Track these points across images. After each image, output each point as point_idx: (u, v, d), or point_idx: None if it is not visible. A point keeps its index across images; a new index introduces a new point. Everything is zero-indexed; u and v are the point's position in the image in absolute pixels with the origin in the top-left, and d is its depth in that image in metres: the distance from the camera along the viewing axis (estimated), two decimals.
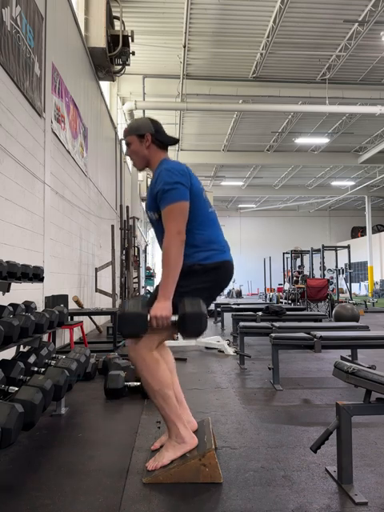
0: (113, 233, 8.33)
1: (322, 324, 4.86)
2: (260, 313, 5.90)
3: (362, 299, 16.21)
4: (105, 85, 10.79)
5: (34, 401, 2.07)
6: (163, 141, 2.17)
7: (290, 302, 13.51)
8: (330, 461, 2.18)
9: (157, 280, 20.54)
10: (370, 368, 2.13)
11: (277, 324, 4.55)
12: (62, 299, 5.58)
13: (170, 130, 15.01)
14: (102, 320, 9.41)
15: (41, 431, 2.65)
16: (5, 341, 2.69)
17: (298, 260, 15.82)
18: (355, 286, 27.28)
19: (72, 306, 6.40)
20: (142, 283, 15.44)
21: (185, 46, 10.30)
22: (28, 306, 3.63)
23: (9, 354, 3.38)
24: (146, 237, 22.64)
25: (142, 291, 14.71)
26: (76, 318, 6.08)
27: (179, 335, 4.58)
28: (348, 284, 15.90)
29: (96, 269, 8.07)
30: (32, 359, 3.04)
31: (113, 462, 2.20)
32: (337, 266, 13.90)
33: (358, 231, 30.56)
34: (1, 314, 3.02)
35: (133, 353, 2.02)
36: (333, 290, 13.75)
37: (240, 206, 29.42)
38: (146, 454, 2.27)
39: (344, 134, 16.37)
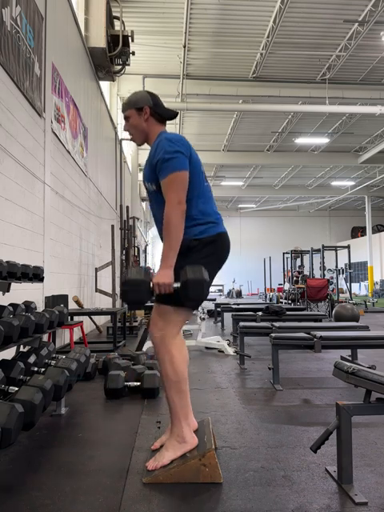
0: (113, 233, 8.33)
1: (322, 324, 4.85)
2: (260, 313, 5.90)
3: (361, 299, 16.21)
4: (105, 85, 10.79)
5: (34, 401, 2.07)
6: (162, 114, 2.17)
7: (289, 302, 13.51)
8: (330, 461, 2.18)
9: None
10: (369, 368, 2.13)
11: (277, 324, 4.55)
12: (62, 299, 5.58)
13: (170, 130, 14.96)
14: (102, 320, 9.41)
15: (41, 431, 2.65)
16: (5, 341, 2.69)
17: (298, 260, 15.82)
18: (355, 286, 27.28)
19: (72, 306, 6.40)
20: None
21: (185, 46, 10.30)
22: (28, 306, 3.63)
23: (9, 354, 3.38)
24: (146, 237, 22.64)
25: None
26: (76, 318, 6.08)
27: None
28: (348, 284, 15.89)
29: (96, 269, 8.07)
30: (32, 359, 3.04)
31: (113, 461, 2.20)
32: (337, 266, 13.90)
33: (358, 231, 30.56)
34: (1, 314, 3.02)
35: (157, 340, 2.02)
36: (333, 290, 13.75)
37: (240, 205, 29.44)
38: (146, 453, 2.27)
39: (344, 134, 16.37)
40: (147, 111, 2.14)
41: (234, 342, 6.09)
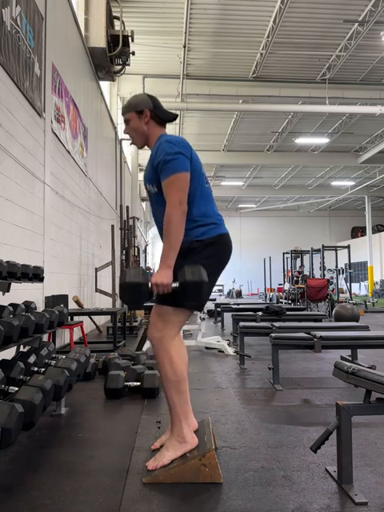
0: (113, 233, 8.33)
1: (322, 324, 4.85)
2: (260, 313, 5.90)
3: (361, 299, 16.21)
4: (105, 85, 10.79)
5: (34, 401, 2.07)
6: (162, 116, 2.17)
7: (290, 302, 13.51)
8: (330, 461, 2.18)
9: None
10: (369, 368, 2.13)
11: (277, 324, 4.55)
12: (62, 299, 5.58)
13: (170, 130, 15.02)
14: (102, 320, 9.41)
15: (41, 431, 2.65)
16: (5, 341, 2.69)
17: (299, 260, 15.82)
18: (355, 286, 27.28)
19: (72, 306, 6.40)
20: None
21: (185, 46, 10.30)
22: (28, 306, 3.63)
23: (9, 354, 3.38)
24: (146, 237, 22.63)
25: None
26: (76, 318, 6.08)
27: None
28: (348, 284, 15.90)
29: (96, 269, 8.07)
30: (32, 359, 3.04)
31: (113, 461, 2.20)
32: (337, 266, 13.90)
33: (358, 231, 30.56)
34: (1, 314, 3.02)
35: (155, 341, 2.02)
36: (333, 290, 13.75)
37: (240, 205, 29.45)
38: (146, 453, 2.27)
39: (344, 134, 16.37)
40: (147, 114, 2.14)
41: (234, 342, 6.09)
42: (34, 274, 3.74)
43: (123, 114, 2.20)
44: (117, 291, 8.40)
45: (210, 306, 11.05)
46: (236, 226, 30.24)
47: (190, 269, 1.90)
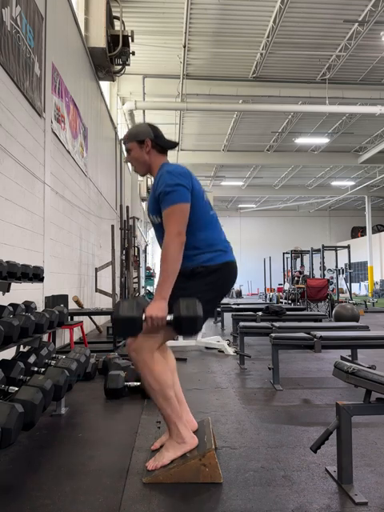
0: (113, 233, 8.33)
1: (322, 324, 4.86)
2: (260, 313, 5.90)
3: (361, 299, 16.21)
4: (105, 85, 10.78)
5: (34, 401, 2.07)
6: (163, 145, 2.18)
7: (290, 302, 13.51)
8: (330, 461, 2.18)
9: (157, 280, 20.49)
10: (370, 368, 2.13)
11: (277, 324, 4.55)
12: (62, 299, 5.58)
13: (170, 130, 15.02)
14: (101, 320, 9.41)
15: (41, 431, 2.65)
16: (5, 341, 2.69)
17: (299, 260, 15.82)
18: (355, 286, 27.27)
19: (72, 306, 6.40)
20: (142, 283, 15.43)
21: (185, 46, 10.29)
22: (28, 306, 3.63)
23: (9, 354, 3.37)
24: (146, 237, 22.64)
25: (142, 291, 14.71)
26: (76, 318, 6.08)
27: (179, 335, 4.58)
28: (348, 284, 15.90)
29: (96, 269, 8.07)
30: (32, 359, 3.04)
31: (113, 461, 2.20)
32: (337, 266, 13.90)
33: (358, 231, 30.56)
34: (1, 314, 3.02)
35: (134, 353, 2.02)
36: (333, 290, 13.75)
37: (240, 206, 29.42)
38: (146, 453, 2.27)
39: (344, 134, 16.37)
40: (148, 144, 2.14)
41: (234, 342, 6.09)
42: (34, 274, 3.74)
43: (124, 143, 2.20)
44: (117, 291, 8.40)
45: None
46: (236, 226, 30.20)
47: (185, 303, 1.86)
